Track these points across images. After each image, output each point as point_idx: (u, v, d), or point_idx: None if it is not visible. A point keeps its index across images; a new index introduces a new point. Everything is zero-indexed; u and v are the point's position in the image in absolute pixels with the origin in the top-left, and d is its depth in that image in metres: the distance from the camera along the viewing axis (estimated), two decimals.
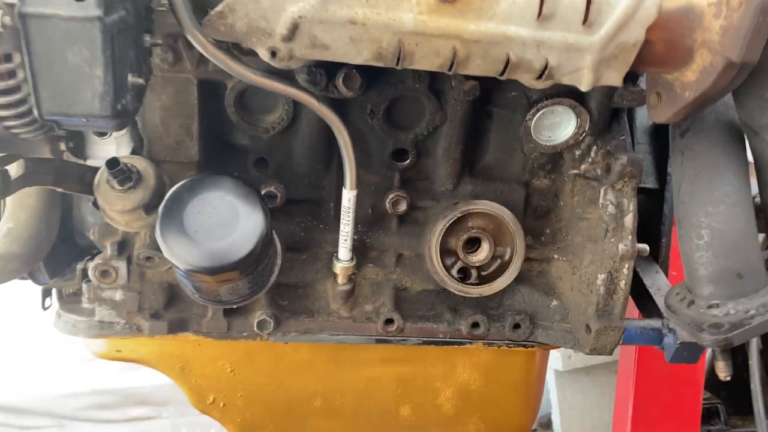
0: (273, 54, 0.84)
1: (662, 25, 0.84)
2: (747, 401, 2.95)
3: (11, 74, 0.71)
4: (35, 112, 0.74)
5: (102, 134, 1.07)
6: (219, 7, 0.80)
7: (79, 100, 0.72)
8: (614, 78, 0.89)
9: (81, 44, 0.70)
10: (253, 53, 0.97)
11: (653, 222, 1.37)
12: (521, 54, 0.84)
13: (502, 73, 0.88)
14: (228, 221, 0.99)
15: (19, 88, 0.72)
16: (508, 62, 0.85)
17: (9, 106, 0.73)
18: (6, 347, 3.15)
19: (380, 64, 0.87)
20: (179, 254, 0.97)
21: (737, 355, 2.96)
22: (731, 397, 2.87)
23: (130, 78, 0.78)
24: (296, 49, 0.84)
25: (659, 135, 1.39)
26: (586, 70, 0.87)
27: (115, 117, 0.75)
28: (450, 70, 0.87)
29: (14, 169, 0.90)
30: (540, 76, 0.88)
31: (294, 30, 0.81)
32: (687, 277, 1.04)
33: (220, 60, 0.88)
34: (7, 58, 0.70)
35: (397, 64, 0.86)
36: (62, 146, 0.85)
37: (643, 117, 1.40)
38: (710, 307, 0.99)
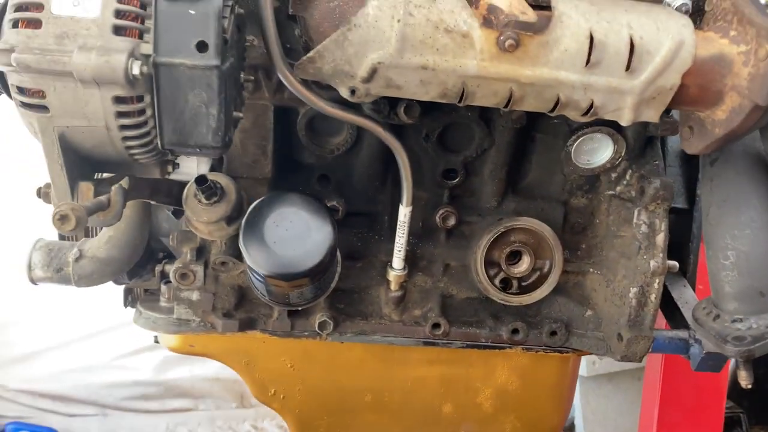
0: (352, 92, 0.97)
1: (696, 71, 0.95)
2: None
3: (141, 112, 0.84)
4: (158, 142, 0.87)
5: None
6: (311, 54, 0.93)
7: (196, 134, 0.86)
8: (652, 116, 1.00)
9: (201, 88, 0.83)
10: (327, 88, 1.11)
11: (683, 239, 1.47)
12: (570, 95, 0.96)
13: (552, 111, 0.99)
14: (301, 233, 1.12)
15: (146, 123, 0.86)
16: (557, 102, 0.97)
17: (137, 137, 0.86)
18: (59, 340, 3.29)
19: (443, 101, 0.99)
20: (260, 262, 1.11)
21: (759, 366, 3.03)
22: (753, 406, 2.94)
23: (234, 114, 0.91)
24: (372, 89, 0.96)
25: (689, 159, 1.49)
26: (627, 109, 0.98)
27: (224, 147, 0.88)
28: (506, 107, 0.99)
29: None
30: (585, 114, 0.99)
31: (373, 73, 0.93)
32: (713, 293, 1.15)
33: (304, 95, 1.01)
34: (139, 99, 0.83)
35: (460, 101, 0.98)
36: (170, 169, 0.99)
37: (675, 142, 1.51)
38: (734, 321, 1.10)
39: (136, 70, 0.79)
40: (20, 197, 1.94)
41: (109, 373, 3.36)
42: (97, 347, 3.30)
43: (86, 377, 3.33)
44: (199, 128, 0.85)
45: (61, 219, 0.76)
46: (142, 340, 3.24)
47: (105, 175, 0.99)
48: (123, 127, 0.84)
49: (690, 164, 1.49)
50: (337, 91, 1.07)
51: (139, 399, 3.43)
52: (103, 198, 0.88)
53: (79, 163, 0.89)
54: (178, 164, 1.03)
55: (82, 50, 0.78)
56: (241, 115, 0.94)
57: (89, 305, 3.08)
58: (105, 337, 3.29)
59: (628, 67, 0.93)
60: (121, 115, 0.83)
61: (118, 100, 0.82)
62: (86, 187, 0.88)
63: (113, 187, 0.89)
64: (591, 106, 0.97)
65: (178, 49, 0.81)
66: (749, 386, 1.12)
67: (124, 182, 1.02)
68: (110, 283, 1.63)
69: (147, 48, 0.81)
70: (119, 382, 3.37)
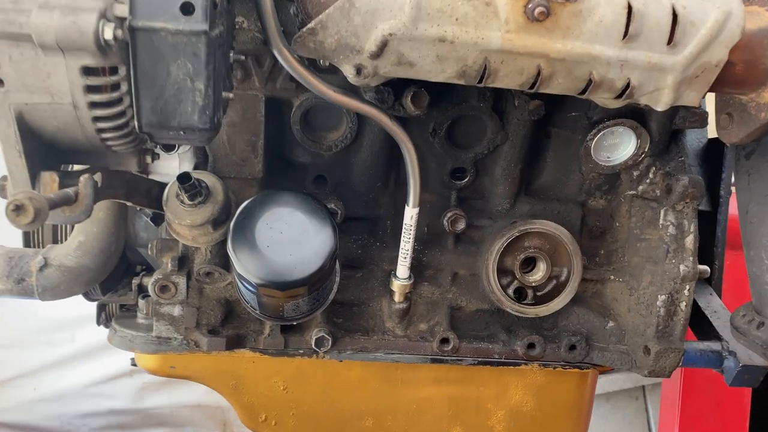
0: (358, 71, 0.85)
1: (744, 46, 0.85)
2: None
3: (115, 87, 0.72)
4: (134, 124, 0.75)
5: (169, 149, 1.08)
6: (311, 24, 0.81)
7: (180, 113, 0.73)
8: (692, 98, 0.90)
9: (186, 57, 0.71)
10: (325, 71, 0.99)
11: (707, 244, 1.37)
12: (604, 73, 0.85)
13: (583, 92, 0.88)
14: (298, 236, 1.00)
15: (121, 100, 0.73)
16: (590, 81, 0.86)
17: (109, 118, 0.73)
18: (27, 366, 3.12)
19: (461, 82, 0.88)
20: (251, 269, 0.97)
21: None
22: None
23: (224, 94, 0.79)
24: (381, 67, 0.85)
25: (710, 158, 1.40)
26: (667, 90, 0.87)
27: (211, 130, 0.76)
28: (531, 88, 0.88)
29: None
30: (620, 96, 0.89)
31: (383, 47, 0.82)
32: (755, 298, 1.04)
33: (304, 77, 0.89)
34: (113, 71, 0.71)
35: (480, 81, 0.87)
36: (148, 160, 0.86)
37: (694, 140, 1.41)
38: None
39: (108, 35, 0.67)
40: None
41: (83, 402, 3.18)
42: (70, 374, 3.11)
43: (58, 407, 3.15)
44: (183, 106, 0.73)
45: (16, 210, 0.63)
46: (118, 365, 3.11)
47: (75, 168, 0.85)
48: (93, 105, 0.72)
49: (711, 163, 1.39)
50: (336, 77, 0.96)
51: (116, 429, 3.26)
52: (69, 190, 0.75)
53: (41, 150, 0.76)
54: (158, 154, 0.90)
55: (43, 9, 0.65)
56: (231, 95, 0.82)
57: (61, 327, 2.92)
58: (78, 363, 3.11)
59: (670, 41, 0.83)
60: (90, 89, 0.71)
61: (87, 71, 0.69)
62: (50, 178, 0.74)
63: (82, 177, 0.76)
64: (627, 86, 0.87)
65: (159, 10, 0.69)
66: None
67: (97, 177, 0.88)
68: (83, 301, 1.49)
69: (122, 10, 0.68)
70: (94, 411, 3.19)
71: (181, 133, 0.75)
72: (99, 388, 3.18)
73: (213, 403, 3.30)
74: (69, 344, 3.08)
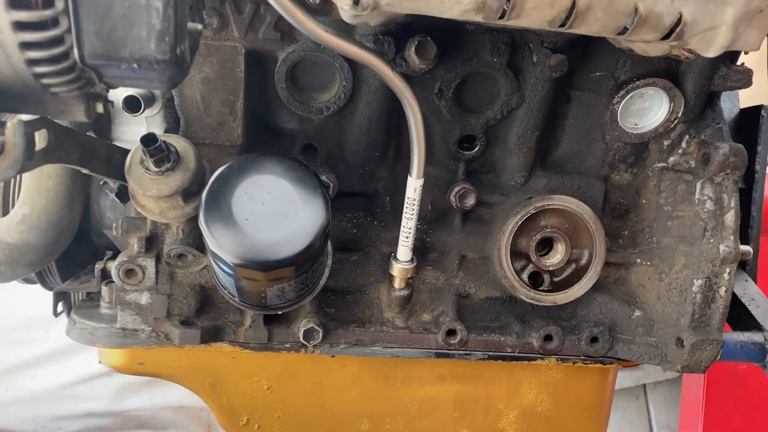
0: (356, 1, 0.70)
1: None
2: None
3: (48, 3, 0.56)
4: (75, 54, 0.59)
5: (134, 109, 0.92)
6: None
7: (132, 40, 0.58)
8: (753, 41, 0.76)
9: None
10: (318, 12, 0.84)
11: (741, 225, 1.23)
12: (652, 5, 0.71)
13: (623, 32, 0.74)
14: (284, 208, 0.85)
15: (57, 21, 0.57)
16: (635, 16, 0.72)
17: (42, 45, 0.58)
18: None
19: (478, 19, 0.73)
20: (227, 246, 0.82)
21: None
22: None
23: (189, 23, 0.64)
24: None
25: (743, 130, 1.26)
26: (725, 27, 0.73)
27: (173, 63, 0.60)
28: (563, 26, 0.73)
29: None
30: (667, 35, 0.74)
31: None
32: None
33: (291, 12, 0.74)
34: None
35: (502, 17, 0.72)
36: (99, 108, 0.70)
37: (724, 110, 1.27)
38: None
39: None
40: None
41: (59, 404, 3.06)
42: (44, 374, 2.97)
43: (32, 409, 3.02)
44: (136, 30, 0.57)
45: None
46: (95, 365, 2.96)
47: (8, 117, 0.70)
48: (20, 26, 0.56)
49: (744, 136, 1.25)
50: (329, 20, 0.82)
51: None
52: None
53: None
54: (111, 101, 0.74)
55: None
56: (199, 27, 0.67)
57: (34, 325, 2.79)
58: (53, 362, 2.97)
59: None
60: (15, 4, 0.55)
61: None
62: None
63: (9, 122, 0.60)
64: (678, 21, 0.72)
65: None
66: None
67: (41, 134, 0.73)
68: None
69: None
70: (70, 413, 3.07)
71: (135, 66, 0.60)
72: (75, 389, 3.05)
73: (197, 404, 3.17)
74: (43, 343, 2.95)
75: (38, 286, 1.30)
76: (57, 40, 0.59)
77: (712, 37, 0.75)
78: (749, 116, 1.25)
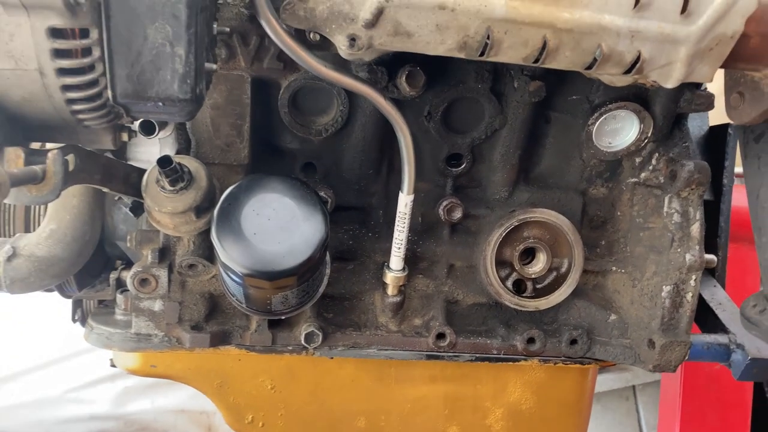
0: (351, 42, 0.79)
1: (760, 17, 0.81)
2: None
3: (86, 52, 0.65)
4: (107, 94, 0.68)
5: (149, 132, 1.01)
6: None
7: (158, 81, 0.67)
8: (705, 73, 0.85)
9: (164, 19, 0.64)
10: (315, 47, 0.93)
11: (709, 235, 1.33)
12: (614, 45, 0.80)
13: (590, 67, 0.83)
14: (287, 223, 0.93)
15: (93, 67, 0.66)
16: (599, 54, 0.81)
17: (80, 87, 0.67)
18: (5, 372, 3.03)
19: (461, 55, 0.82)
20: (237, 257, 0.91)
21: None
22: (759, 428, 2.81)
23: (207, 65, 0.73)
24: (377, 37, 0.79)
25: (711, 146, 1.36)
26: (679, 63, 0.82)
27: (193, 102, 0.69)
28: (536, 62, 0.82)
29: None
30: (629, 71, 0.84)
31: (378, 15, 0.76)
32: (767, 286, 1.00)
33: (293, 50, 0.83)
34: (84, 33, 0.64)
35: (482, 54, 0.81)
36: (124, 137, 0.79)
37: (696, 127, 1.37)
38: None
39: None
40: None
41: (63, 408, 3.10)
42: (49, 379, 3.03)
43: (37, 413, 3.06)
44: (162, 74, 0.66)
45: None
46: (99, 369, 3.02)
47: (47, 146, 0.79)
48: (62, 72, 0.65)
49: (713, 151, 1.35)
50: (327, 54, 0.91)
51: None
52: (36, 167, 0.68)
53: (4, 124, 0.69)
54: (135, 132, 0.83)
55: None
56: (215, 67, 0.76)
57: (39, 331, 2.83)
58: (57, 367, 3.04)
59: (684, 10, 0.78)
60: (58, 54, 0.64)
61: (55, 33, 0.63)
62: (14, 153, 0.68)
63: (50, 154, 0.69)
64: (637, 59, 0.82)
65: None
66: None
67: (70, 158, 0.82)
68: (61, 306, 1.41)
69: None
70: (74, 416, 3.11)
71: (160, 104, 0.68)
72: (79, 393, 3.10)
73: (197, 408, 3.22)
74: (48, 348, 3.00)
75: (46, 294, 1.37)
76: (93, 83, 0.68)
77: (669, 71, 0.84)
78: (718, 133, 1.35)
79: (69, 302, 1.41)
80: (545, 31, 0.78)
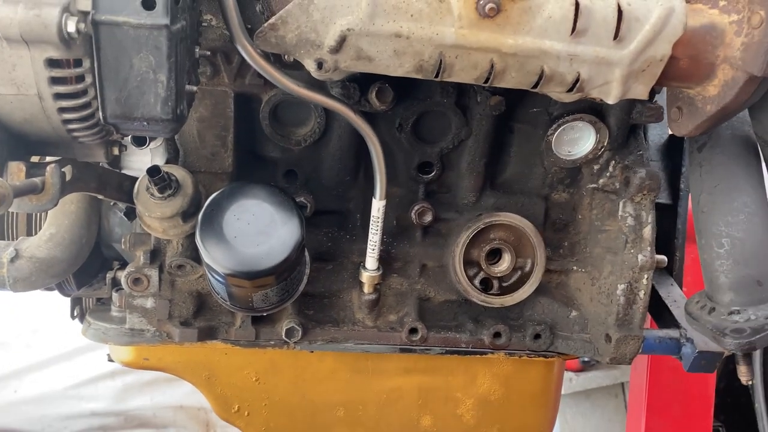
0: (319, 65, 0.88)
1: (687, 41, 0.90)
2: (747, 424, 2.97)
3: (79, 79, 0.74)
4: (99, 115, 0.77)
5: (141, 143, 1.10)
6: (272, 20, 0.85)
7: (143, 104, 0.76)
8: (641, 91, 0.94)
9: (147, 50, 0.73)
10: (292, 67, 1.02)
11: (667, 236, 1.41)
12: (555, 67, 0.89)
13: (536, 86, 0.92)
14: (265, 227, 1.02)
15: (86, 92, 0.76)
16: (542, 75, 0.90)
17: (75, 109, 0.76)
18: (7, 369, 3.11)
19: (419, 77, 0.91)
20: (219, 259, 1.00)
21: (736, 378, 2.99)
22: (731, 420, 2.90)
23: (187, 86, 0.82)
24: (342, 61, 0.88)
25: (671, 153, 1.44)
26: (615, 83, 0.91)
27: (174, 121, 0.78)
28: (486, 82, 0.91)
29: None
30: (571, 89, 0.92)
31: (342, 42, 0.85)
32: (707, 285, 1.08)
33: (267, 71, 0.92)
34: (77, 63, 0.73)
35: (437, 76, 0.90)
36: (115, 151, 0.88)
37: (656, 135, 1.46)
38: (731, 313, 1.03)
39: (71, 28, 0.69)
40: None
41: (64, 404, 3.17)
42: (50, 376, 3.11)
43: (39, 409, 3.14)
44: (146, 97, 0.75)
45: None
46: (99, 367, 3.11)
47: (47, 160, 0.88)
48: (58, 96, 0.74)
49: (672, 158, 1.43)
50: (302, 73, 0.99)
51: (97, 431, 3.24)
52: (36, 179, 0.77)
53: (8, 141, 0.78)
54: (125, 146, 0.92)
55: (7, 2, 0.68)
56: (195, 88, 0.85)
57: (40, 330, 2.91)
58: (58, 364, 3.11)
59: (616, 36, 0.87)
60: (55, 81, 0.73)
61: (52, 63, 0.72)
62: (17, 167, 0.77)
63: (48, 167, 0.78)
64: (577, 79, 0.90)
65: (121, 5, 0.72)
66: (750, 382, 1.05)
67: (67, 169, 0.91)
68: (63, 306, 1.49)
69: (85, 4, 0.71)
70: (75, 413, 3.18)
71: (145, 123, 0.78)
72: (80, 390, 3.17)
73: (196, 404, 3.30)
74: (49, 346, 3.07)
75: (47, 294, 1.45)
76: (86, 105, 0.77)
77: (608, 89, 0.93)
78: (676, 141, 1.43)
79: (68, 301, 1.50)
80: (492, 55, 0.87)
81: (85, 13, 0.71)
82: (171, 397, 3.24)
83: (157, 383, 3.23)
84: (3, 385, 3.11)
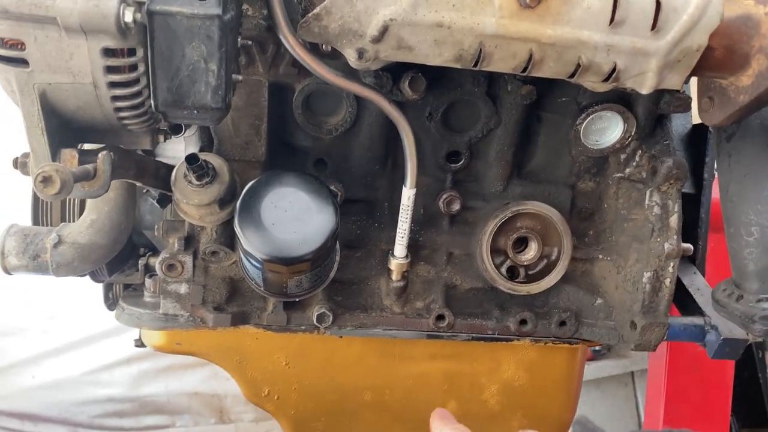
0: (360, 55, 0.90)
1: (723, 31, 0.91)
2: (756, 414, 3.00)
3: (133, 68, 0.76)
4: (150, 103, 0.79)
5: (177, 131, 1.12)
6: (317, 10, 0.86)
7: (194, 93, 0.78)
8: (675, 81, 0.95)
9: (200, 40, 0.75)
10: (327, 57, 1.04)
11: (690, 226, 1.43)
12: (592, 57, 0.90)
13: (572, 76, 0.94)
14: (302, 215, 1.04)
15: (138, 80, 0.77)
16: (579, 65, 0.91)
17: (127, 97, 0.78)
18: (25, 354, 3.14)
19: (457, 66, 0.93)
20: (257, 245, 1.02)
21: (745, 368, 3.01)
22: (740, 409, 2.93)
23: (234, 76, 0.84)
24: (382, 50, 0.90)
25: (695, 143, 1.46)
26: (651, 73, 0.92)
27: (223, 110, 0.80)
28: (524, 72, 0.93)
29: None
30: (606, 79, 0.94)
31: (384, 32, 0.86)
32: (735, 272, 1.10)
33: (308, 61, 0.94)
34: (131, 52, 0.75)
35: (475, 65, 0.92)
36: (161, 139, 0.90)
37: (680, 125, 1.47)
38: (759, 300, 1.04)
39: (128, 18, 0.71)
40: None
41: (81, 390, 3.19)
42: (67, 362, 3.14)
43: (56, 394, 3.16)
44: (197, 86, 0.77)
45: (44, 181, 0.68)
46: (115, 353, 3.14)
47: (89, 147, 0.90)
48: (112, 85, 0.76)
49: (695, 148, 1.45)
50: (337, 62, 1.01)
51: (113, 416, 3.28)
52: (89, 166, 0.79)
53: (61, 128, 0.80)
54: (170, 134, 0.94)
55: None
56: (240, 77, 0.87)
57: (57, 316, 2.94)
58: (75, 351, 3.14)
59: (654, 26, 0.88)
60: (110, 70, 0.75)
61: (108, 52, 0.74)
62: (70, 154, 0.79)
63: (100, 154, 0.80)
64: (614, 69, 0.92)
65: None
66: None
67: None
68: (79, 294, 1.51)
69: None
70: (91, 398, 3.20)
71: (195, 112, 0.79)
72: (96, 376, 3.20)
73: (210, 391, 3.33)
74: (67, 332, 3.10)
75: (62, 280, 1.45)
76: (138, 94, 0.79)
77: (643, 80, 0.94)
78: (700, 131, 1.44)
79: (86, 288, 1.53)
80: (531, 45, 0.89)
81: (140, 3, 0.73)
82: (186, 384, 3.27)
83: (172, 370, 3.27)
84: (21, 371, 3.15)
